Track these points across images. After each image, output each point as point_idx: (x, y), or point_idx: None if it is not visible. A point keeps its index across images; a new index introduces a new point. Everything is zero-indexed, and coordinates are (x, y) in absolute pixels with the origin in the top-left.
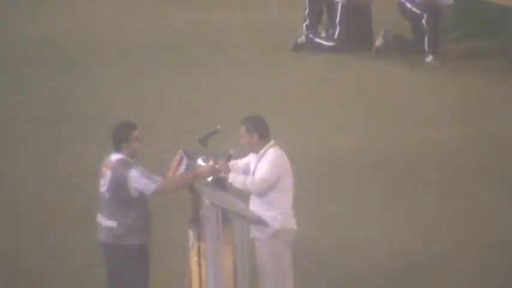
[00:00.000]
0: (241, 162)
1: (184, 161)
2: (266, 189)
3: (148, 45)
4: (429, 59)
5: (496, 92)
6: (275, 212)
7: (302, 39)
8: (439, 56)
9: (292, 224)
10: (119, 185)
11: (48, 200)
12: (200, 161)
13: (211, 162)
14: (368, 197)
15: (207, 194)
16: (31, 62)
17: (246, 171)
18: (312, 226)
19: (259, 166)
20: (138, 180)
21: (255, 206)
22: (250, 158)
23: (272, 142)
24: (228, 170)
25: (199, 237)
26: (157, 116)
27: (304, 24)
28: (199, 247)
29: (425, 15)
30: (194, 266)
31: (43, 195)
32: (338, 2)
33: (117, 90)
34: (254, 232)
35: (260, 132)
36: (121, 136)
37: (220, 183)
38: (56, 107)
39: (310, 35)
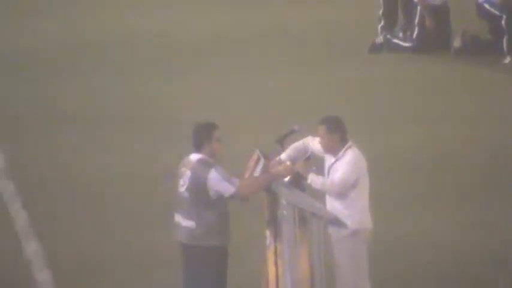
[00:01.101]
0: (303, 146)
1: (261, 161)
2: (345, 190)
3: (217, 44)
4: (507, 60)
5: None
6: (353, 212)
7: (380, 39)
8: None
9: (369, 224)
10: (199, 185)
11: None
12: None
13: (288, 162)
14: (437, 197)
15: (284, 194)
16: (97, 63)
17: (303, 153)
18: (385, 225)
19: (337, 167)
20: (217, 182)
21: (333, 205)
22: (314, 144)
23: (350, 143)
24: (307, 171)
25: (276, 238)
26: (227, 116)
27: (379, 26)
28: (276, 247)
29: (504, 16)
30: (271, 267)
31: (121, 194)
32: (416, 3)
33: (186, 90)
34: (332, 231)
35: (341, 133)
36: (203, 136)
37: (298, 183)
38: (130, 107)
39: (388, 36)
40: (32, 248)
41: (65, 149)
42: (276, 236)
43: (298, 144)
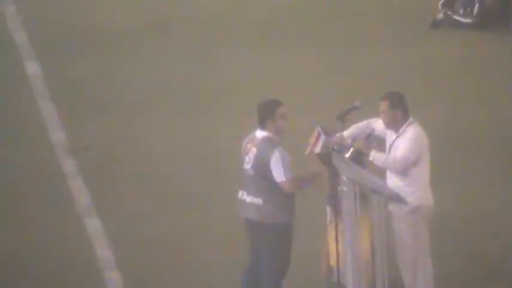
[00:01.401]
0: (367, 125)
1: (322, 138)
2: (407, 167)
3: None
4: None
5: None
6: (415, 188)
7: (440, 16)
8: None
9: (430, 200)
10: (264, 163)
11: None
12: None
13: (350, 139)
14: (498, 174)
15: (345, 170)
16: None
17: (365, 131)
18: (446, 200)
19: (398, 143)
20: (276, 164)
21: (394, 182)
22: (377, 124)
23: (411, 119)
24: (369, 148)
25: (336, 214)
26: (295, 93)
27: (440, 2)
28: (336, 223)
29: None
30: (331, 242)
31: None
32: None
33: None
34: (392, 208)
35: (402, 109)
36: (267, 113)
37: (358, 159)
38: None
39: (449, 12)
40: (92, 225)
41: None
42: (337, 212)
43: (361, 123)
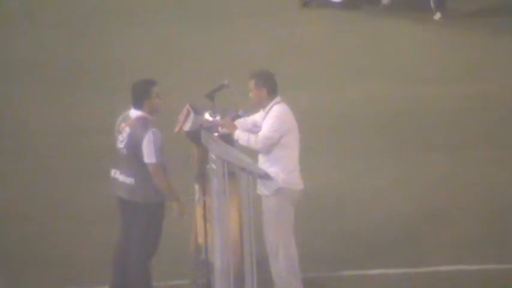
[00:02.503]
0: (250, 120)
1: (191, 116)
2: (269, 147)
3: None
4: (437, 16)
5: (504, 50)
6: (278, 169)
7: None
8: (447, 12)
9: (297, 184)
10: (136, 143)
11: (61, 152)
12: (207, 115)
13: (218, 117)
14: (373, 153)
15: (213, 148)
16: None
17: (253, 129)
18: (318, 179)
19: (264, 123)
20: (148, 145)
21: (261, 162)
22: (260, 115)
23: (278, 98)
24: (233, 127)
25: (205, 192)
26: (166, 71)
27: None
28: (205, 202)
29: None
30: (200, 220)
31: (59, 147)
32: None
33: (130, 46)
34: (260, 188)
35: (269, 88)
36: (141, 92)
37: (227, 138)
38: (75, 63)
39: None
40: None
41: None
42: (205, 190)
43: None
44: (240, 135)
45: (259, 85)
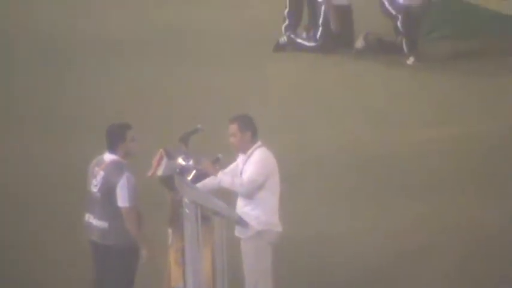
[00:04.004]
0: (229, 168)
1: (165, 160)
2: (254, 190)
3: (132, 43)
4: (410, 60)
5: (477, 93)
6: (259, 212)
7: (284, 39)
8: (421, 56)
9: (277, 226)
10: (111, 187)
11: (39, 198)
12: (180, 160)
13: (192, 162)
14: (349, 194)
15: (187, 192)
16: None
17: (233, 175)
18: (294, 222)
19: (246, 167)
20: (122, 188)
21: (241, 205)
22: (238, 160)
23: (259, 143)
24: (215, 170)
25: (178, 236)
26: (142, 114)
27: (283, 25)
28: (178, 246)
29: (399, 17)
30: (173, 265)
31: (35, 194)
32: (321, 2)
33: (105, 88)
34: (239, 231)
35: (252, 131)
36: (116, 136)
37: (201, 181)
38: (48, 106)
39: (292, 35)
40: None
41: None
42: (179, 233)
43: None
44: (223, 178)
45: (243, 129)
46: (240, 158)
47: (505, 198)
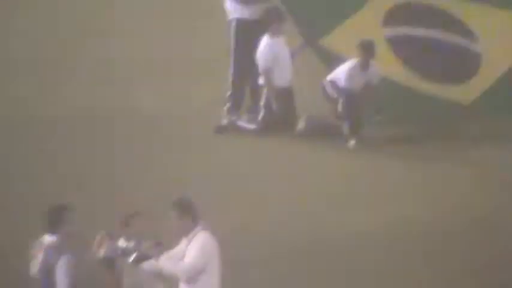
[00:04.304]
0: (173, 251)
1: (106, 243)
2: (195, 275)
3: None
4: (351, 143)
5: (418, 177)
6: None
7: (225, 121)
8: (362, 140)
9: None
10: (50, 269)
11: None
12: (122, 242)
13: (133, 244)
14: (284, 280)
15: (127, 273)
16: None
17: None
18: None
19: (188, 251)
20: (61, 271)
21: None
22: (181, 244)
23: (200, 226)
24: (157, 253)
25: None
26: (85, 196)
27: (225, 107)
28: None
29: (340, 100)
30: None
31: None
32: (263, 85)
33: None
34: None
35: (193, 215)
36: (55, 218)
37: (142, 263)
38: None
39: (233, 118)
40: None
41: None
42: None
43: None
44: (165, 264)
45: (184, 213)
46: (183, 242)
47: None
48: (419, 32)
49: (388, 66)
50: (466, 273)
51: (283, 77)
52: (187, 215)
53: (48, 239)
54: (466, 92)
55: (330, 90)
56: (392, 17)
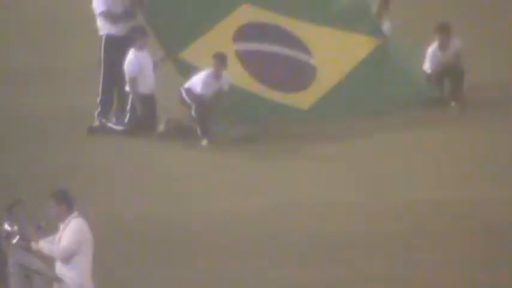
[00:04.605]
0: (52, 236)
1: None
2: (69, 256)
3: None
4: (203, 142)
5: (258, 174)
6: (74, 274)
7: (96, 123)
8: (213, 139)
9: (88, 286)
10: None
11: None
12: (6, 226)
13: (16, 228)
14: None
15: (11, 253)
16: None
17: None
18: None
19: (63, 235)
20: None
21: (59, 267)
22: (60, 228)
23: (75, 213)
24: (36, 236)
25: None
26: None
27: (96, 112)
28: None
29: (193, 105)
30: None
31: None
32: (129, 92)
33: None
34: None
35: (67, 204)
36: None
37: (26, 244)
38: None
39: (103, 120)
40: None
41: None
42: None
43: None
44: (43, 246)
45: (59, 202)
46: (60, 227)
47: None
48: (265, 47)
49: (237, 75)
50: None
51: (146, 85)
52: (62, 203)
53: None
54: (305, 99)
55: (185, 96)
56: (241, 34)
